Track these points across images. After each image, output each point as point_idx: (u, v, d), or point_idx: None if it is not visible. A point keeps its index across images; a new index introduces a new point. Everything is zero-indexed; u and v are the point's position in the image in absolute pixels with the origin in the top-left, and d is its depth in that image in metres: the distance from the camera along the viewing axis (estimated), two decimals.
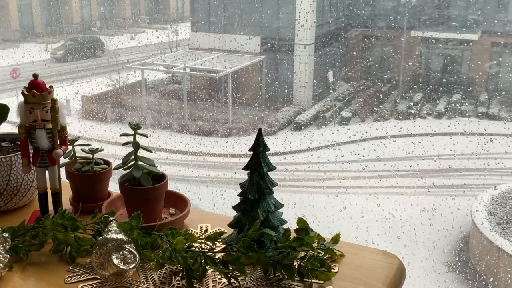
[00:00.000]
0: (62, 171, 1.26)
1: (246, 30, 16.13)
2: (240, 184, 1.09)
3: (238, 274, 0.99)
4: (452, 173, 11.01)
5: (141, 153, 1.20)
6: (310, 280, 1.00)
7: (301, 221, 1.08)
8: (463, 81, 15.37)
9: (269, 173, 1.08)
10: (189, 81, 16.29)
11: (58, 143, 1.18)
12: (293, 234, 1.06)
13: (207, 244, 1.07)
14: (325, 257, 1.06)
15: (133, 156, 1.19)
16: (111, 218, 1.09)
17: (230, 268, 0.99)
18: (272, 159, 1.09)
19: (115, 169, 1.27)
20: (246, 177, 1.08)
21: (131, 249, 1.00)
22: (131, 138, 1.18)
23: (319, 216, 8.93)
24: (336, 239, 1.11)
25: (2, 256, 1.03)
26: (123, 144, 1.21)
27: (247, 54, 16.02)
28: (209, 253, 1.03)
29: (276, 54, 16.08)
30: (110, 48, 18.77)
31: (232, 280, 1.00)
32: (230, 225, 1.10)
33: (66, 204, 1.27)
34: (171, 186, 1.25)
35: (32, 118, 1.13)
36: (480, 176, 10.86)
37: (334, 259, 1.08)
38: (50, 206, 1.22)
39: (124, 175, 1.19)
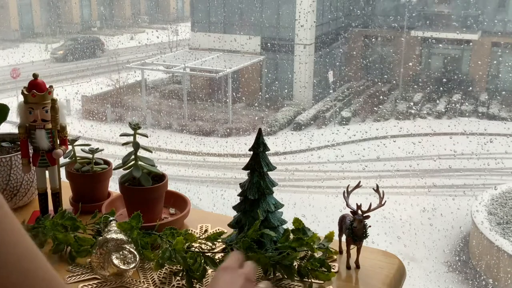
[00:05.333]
0: (62, 171, 1.26)
1: (246, 30, 16.12)
2: (240, 184, 1.08)
3: None
4: (452, 173, 11.00)
5: (141, 153, 1.19)
6: (310, 280, 1.00)
7: (296, 221, 1.07)
8: (463, 81, 15.38)
9: (269, 173, 1.07)
10: (189, 81, 16.29)
11: (58, 143, 1.17)
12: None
13: (207, 244, 1.06)
14: (325, 257, 1.05)
15: (133, 156, 1.18)
16: (111, 218, 1.09)
17: None
18: (272, 159, 1.09)
19: (115, 169, 1.27)
20: (246, 177, 1.08)
21: (131, 249, 1.00)
22: (131, 138, 1.18)
23: (319, 216, 8.91)
24: (330, 237, 1.09)
25: None
26: (123, 144, 1.21)
27: (247, 54, 16.02)
28: (209, 253, 1.03)
29: (276, 54, 16.07)
30: (110, 48, 18.76)
31: None
32: (230, 225, 1.10)
33: (66, 204, 1.27)
34: (171, 186, 1.25)
35: (32, 118, 1.13)
36: (480, 176, 10.85)
37: (335, 259, 1.08)
38: (50, 206, 1.22)
39: (124, 175, 1.18)
